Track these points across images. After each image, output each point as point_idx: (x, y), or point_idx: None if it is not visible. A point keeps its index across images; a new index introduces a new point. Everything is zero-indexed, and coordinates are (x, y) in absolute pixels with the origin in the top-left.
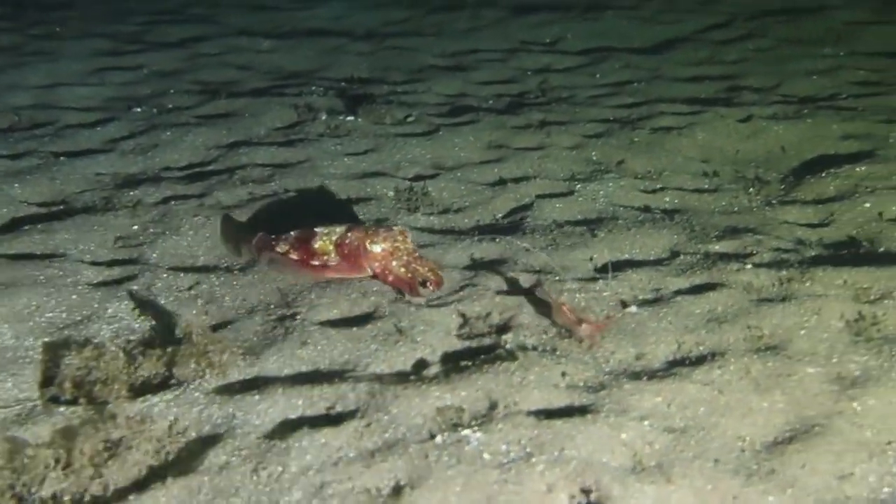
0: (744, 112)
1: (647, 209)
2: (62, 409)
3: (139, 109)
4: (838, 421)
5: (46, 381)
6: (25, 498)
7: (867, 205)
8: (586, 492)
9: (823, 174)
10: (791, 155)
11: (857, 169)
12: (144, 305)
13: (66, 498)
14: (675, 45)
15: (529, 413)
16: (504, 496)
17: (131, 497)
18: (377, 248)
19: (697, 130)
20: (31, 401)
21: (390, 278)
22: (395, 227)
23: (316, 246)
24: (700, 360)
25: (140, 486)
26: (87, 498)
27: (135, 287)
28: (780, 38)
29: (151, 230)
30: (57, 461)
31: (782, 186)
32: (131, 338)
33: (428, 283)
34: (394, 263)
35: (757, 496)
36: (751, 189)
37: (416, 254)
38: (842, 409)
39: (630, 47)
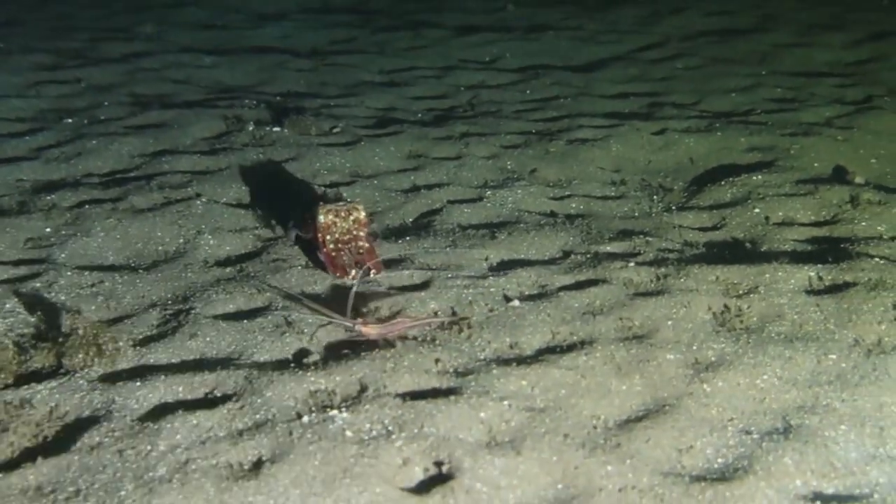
0: (659, 125)
1: (551, 214)
2: None
3: (70, 120)
4: (687, 401)
5: None
6: None
7: (756, 210)
8: (439, 464)
9: (723, 182)
10: (698, 165)
11: (754, 178)
12: (42, 301)
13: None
14: (608, 63)
15: (397, 395)
16: (360, 468)
17: (1, 474)
18: (321, 219)
19: (612, 142)
20: None
21: (322, 251)
22: (348, 202)
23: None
24: (570, 348)
25: (12, 465)
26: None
27: (37, 284)
28: (709, 58)
29: (63, 232)
30: None
31: (684, 194)
32: (25, 331)
33: (370, 270)
34: (327, 237)
35: (597, 466)
36: (654, 196)
37: (362, 233)
38: (693, 391)
39: (565, 65)
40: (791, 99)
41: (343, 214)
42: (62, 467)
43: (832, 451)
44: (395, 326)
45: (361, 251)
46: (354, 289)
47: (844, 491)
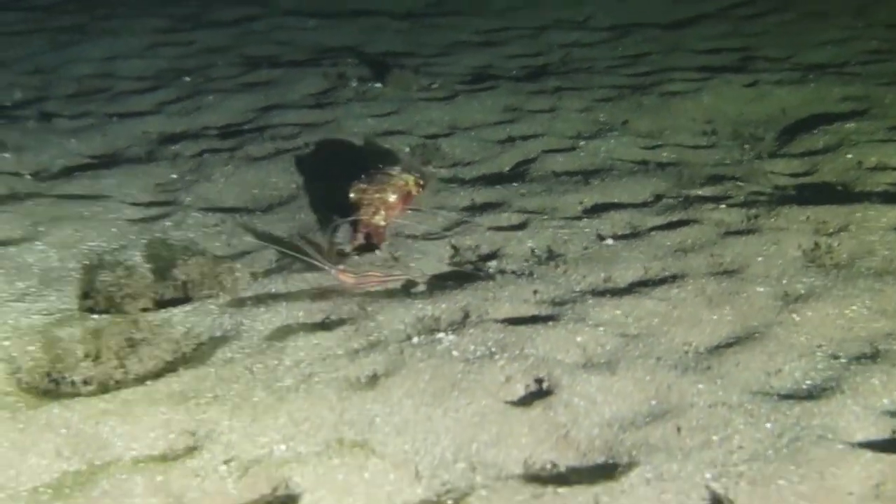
0: (751, 78)
1: (643, 162)
2: (95, 316)
3: (187, 79)
4: (776, 329)
5: (84, 295)
6: (59, 381)
7: (849, 156)
8: (539, 381)
9: (815, 131)
10: (790, 116)
11: (847, 125)
12: (173, 238)
13: (94, 382)
14: (699, 20)
15: (498, 321)
16: (466, 383)
17: (148, 382)
18: (351, 195)
19: (703, 95)
20: (69, 310)
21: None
22: (392, 177)
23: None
24: (662, 282)
25: (156, 374)
26: (110, 382)
27: (167, 223)
28: (803, 12)
29: (187, 178)
30: (87, 354)
31: (776, 143)
32: (160, 264)
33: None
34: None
35: (689, 385)
36: (745, 145)
37: (382, 212)
38: (782, 320)
39: (656, 23)
40: (887, 50)
41: (371, 192)
42: (200, 377)
43: None
44: (371, 279)
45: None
46: (332, 234)
47: None
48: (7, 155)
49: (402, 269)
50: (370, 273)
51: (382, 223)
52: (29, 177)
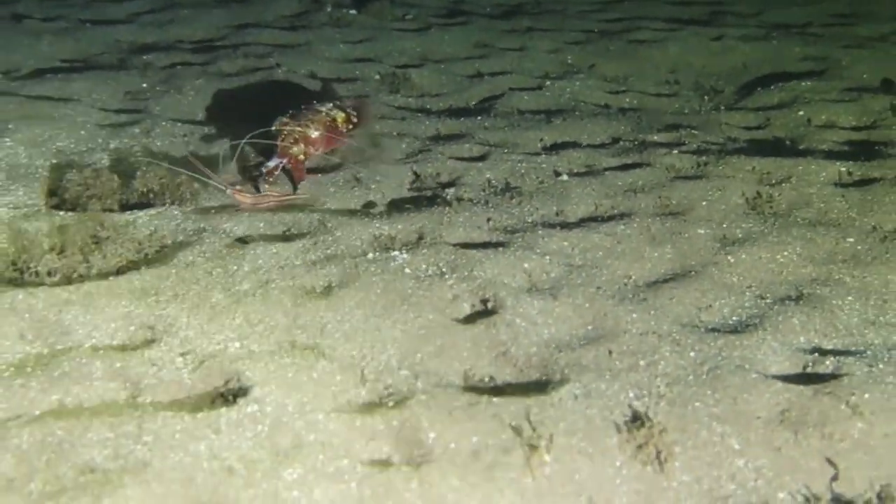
0: (718, 32)
1: (605, 106)
2: (61, 213)
3: None
4: (712, 269)
5: (51, 192)
6: (23, 270)
7: (801, 113)
8: (484, 301)
9: (772, 87)
10: (751, 71)
11: (803, 84)
12: (139, 145)
13: (58, 274)
14: None
15: (451, 244)
16: (415, 298)
17: (110, 277)
18: (274, 128)
19: (670, 45)
20: (36, 206)
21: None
22: (320, 113)
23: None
24: (610, 219)
25: (118, 271)
26: (74, 275)
27: (136, 130)
28: None
29: (158, 88)
30: (52, 248)
31: (734, 96)
32: (126, 168)
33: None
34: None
35: (624, 314)
36: (705, 97)
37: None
38: (717, 261)
39: None
40: (850, 14)
41: (292, 125)
42: (162, 276)
43: (836, 317)
44: (266, 199)
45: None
46: (224, 156)
47: (842, 348)
48: None
49: (302, 190)
50: (267, 194)
51: (301, 157)
52: (0, 75)
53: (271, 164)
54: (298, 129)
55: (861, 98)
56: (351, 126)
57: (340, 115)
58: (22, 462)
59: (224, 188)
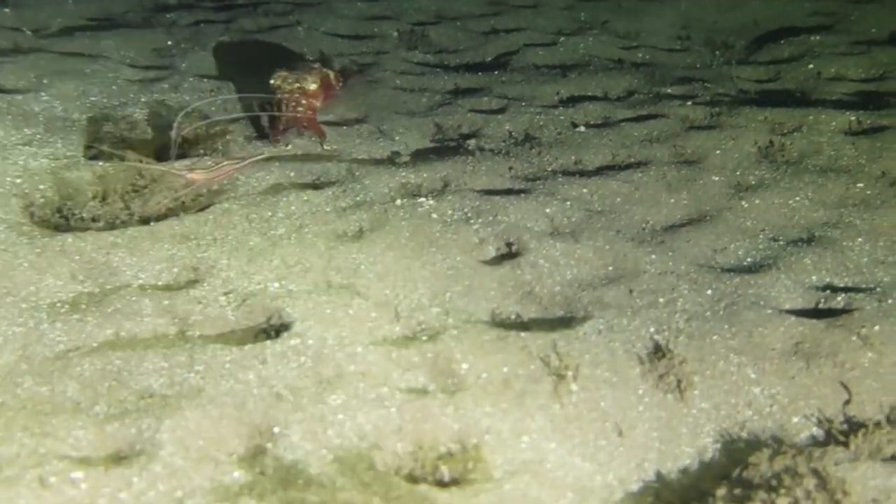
0: None
1: (619, 61)
2: (101, 163)
3: None
4: (726, 213)
5: (89, 144)
6: (69, 216)
7: (811, 66)
8: (509, 244)
9: (782, 42)
10: (761, 27)
11: (813, 38)
12: (170, 98)
13: (101, 221)
14: None
15: (475, 191)
16: (443, 241)
17: (151, 223)
18: (271, 82)
19: (682, 1)
20: (76, 157)
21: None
22: (307, 69)
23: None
24: (627, 167)
25: (159, 218)
26: (116, 221)
27: (164, 85)
28: None
29: (183, 45)
30: (94, 196)
31: (745, 51)
32: (158, 121)
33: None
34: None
35: (643, 255)
36: (716, 52)
37: (304, 101)
38: (732, 206)
39: None
40: None
41: (290, 80)
42: (200, 222)
43: (847, 256)
44: (221, 170)
45: (299, 112)
46: (176, 136)
47: (852, 285)
48: (7, 10)
49: (260, 154)
50: (222, 164)
51: (310, 112)
52: (30, 33)
53: (279, 128)
54: (297, 84)
55: (870, 51)
56: (340, 83)
57: (331, 73)
58: (86, 388)
59: (178, 173)
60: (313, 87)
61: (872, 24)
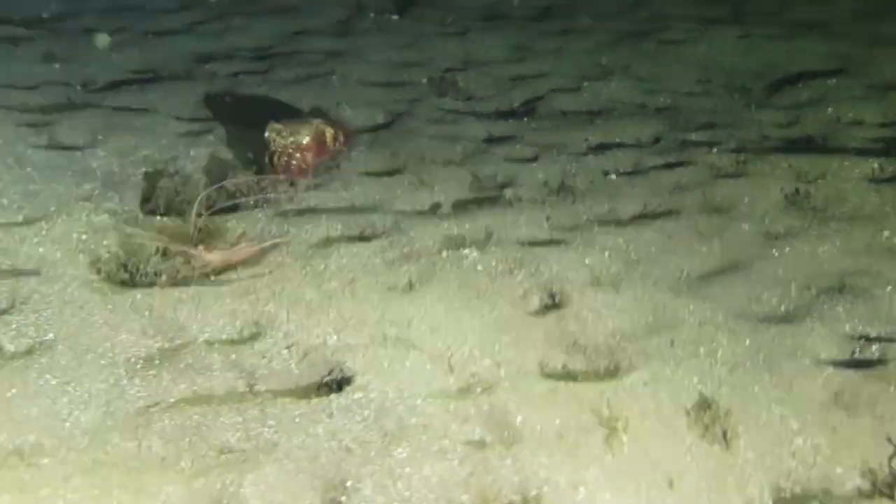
0: (744, 31)
1: (642, 106)
2: (158, 218)
3: (213, 1)
4: (758, 262)
5: (145, 198)
6: (133, 272)
7: (829, 110)
8: (552, 295)
9: (800, 85)
10: (778, 69)
11: (829, 82)
12: (218, 150)
13: (164, 275)
14: None
15: (516, 242)
16: (489, 293)
17: (212, 277)
18: (265, 134)
19: (699, 44)
20: (134, 212)
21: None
22: (310, 124)
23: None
24: (659, 216)
25: (218, 271)
26: (178, 276)
27: (210, 137)
28: None
29: (224, 97)
30: (156, 251)
31: (764, 94)
32: (210, 175)
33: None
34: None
35: (681, 305)
36: (736, 95)
37: (298, 155)
38: (763, 254)
39: None
40: (872, 12)
41: (285, 133)
42: (257, 276)
43: (878, 306)
44: (237, 253)
45: (293, 164)
46: (195, 218)
47: (885, 335)
48: (57, 66)
49: (279, 238)
50: (240, 247)
51: (303, 165)
52: (80, 88)
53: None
54: (291, 137)
55: (886, 95)
56: (337, 143)
57: (329, 131)
58: (169, 443)
59: (192, 253)
60: (306, 140)
61: (886, 67)
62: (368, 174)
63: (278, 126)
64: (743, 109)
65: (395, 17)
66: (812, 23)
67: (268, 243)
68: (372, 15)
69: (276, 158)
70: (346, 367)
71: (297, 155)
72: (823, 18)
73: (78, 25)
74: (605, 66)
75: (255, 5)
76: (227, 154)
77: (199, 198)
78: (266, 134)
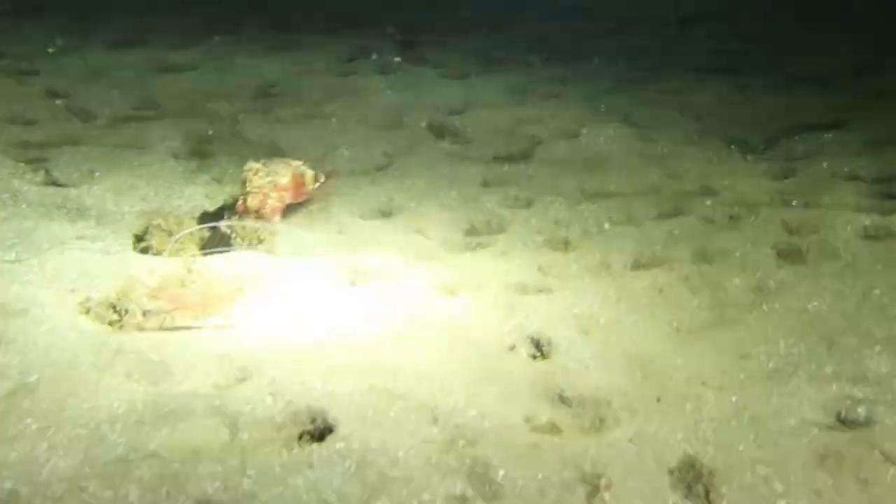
0: (742, 82)
1: (639, 154)
2: (150, 256)
3: (217, 38)
4: (748, 317)
5: (137, 238)
6: (121, 313)
7: (825, 164)
8: (539, 346)
9: (796, 137)
10: (774, 121)
11: (826, 135)
12: (214, 192)
13: (152, 317)
14: (701, 19)
15: (506, 289)
16: (477, 342)
17: (200, 320)
18: (243, 174)
19: (697, 94)
20: (127, 249)
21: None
22: (290, 166)
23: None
24: (651, 266)
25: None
26: (166, 319)
27: (208, 177)
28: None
29: (224, 135)
30: (144, 291)
31: (759, 145)
32: (204, 215)
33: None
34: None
35: (669, 360)
36: (732, 145)
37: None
38: (754, 310)
39: (658, 17)
40: (872, 66)
41: (262, 174)
42: (246, 321)
43: (866, 366)
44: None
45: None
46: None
47: (872, 396)
48: (58, 102)
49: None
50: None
51: (278, 204)
52: (80, 123)
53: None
54: (269, 178)
55: (882, 151)
56: (317, 185)
57: (309, 174)
58: (147, 492)
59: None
60: (284, 180)
61: (883, 121)
62: (363, 217)
63: (256, 165)
64: (738, 160)
65: (396, 59)
66: (812, 75)
67: (204, 326)
68: (374, 56)
69: (248, 199)
70: (330, 417)
71: (274, 194)
72: (823, 71)
73: (84, 63)
74: (603, 112)
75: (258, 43)
76: (222, 194)
77: (180, 235)
78: (243, 173)
